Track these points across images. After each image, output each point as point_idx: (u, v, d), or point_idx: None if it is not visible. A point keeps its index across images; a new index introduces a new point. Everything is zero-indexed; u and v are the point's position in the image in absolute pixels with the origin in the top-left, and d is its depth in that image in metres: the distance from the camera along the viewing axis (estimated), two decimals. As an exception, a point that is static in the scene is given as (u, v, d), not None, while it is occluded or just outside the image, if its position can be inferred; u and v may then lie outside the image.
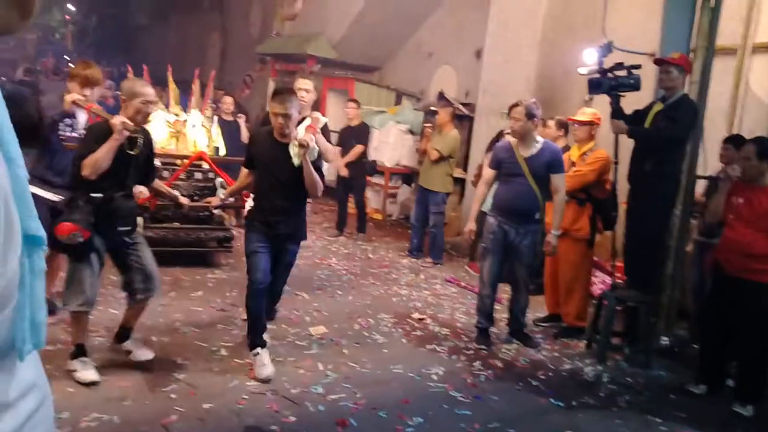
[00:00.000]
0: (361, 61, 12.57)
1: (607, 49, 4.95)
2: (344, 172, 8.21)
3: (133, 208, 3.86)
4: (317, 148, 4.20)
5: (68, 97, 4.24)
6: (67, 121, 4.34)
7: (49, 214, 3.88)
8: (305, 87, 5.23)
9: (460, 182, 8.87)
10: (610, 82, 4.81)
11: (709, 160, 5.78)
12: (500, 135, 7.03)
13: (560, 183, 4.77)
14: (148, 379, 3.70)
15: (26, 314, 0.83)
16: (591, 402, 4.10)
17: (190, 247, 6.16)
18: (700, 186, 5.46)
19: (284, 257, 4.24)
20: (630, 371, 4.68)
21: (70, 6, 26.86)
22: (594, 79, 4.93)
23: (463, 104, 9.69)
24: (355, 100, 8.70)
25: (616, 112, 4.87)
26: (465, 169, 8.91)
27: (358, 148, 8.23)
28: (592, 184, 5.24)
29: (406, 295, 6.08)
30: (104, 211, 3.60)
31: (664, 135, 4.67)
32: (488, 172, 5.08)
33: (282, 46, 13.37)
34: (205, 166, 6.18)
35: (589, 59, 5.54)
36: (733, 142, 5.05)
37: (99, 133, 3.63)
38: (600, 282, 6.09)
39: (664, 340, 5.18)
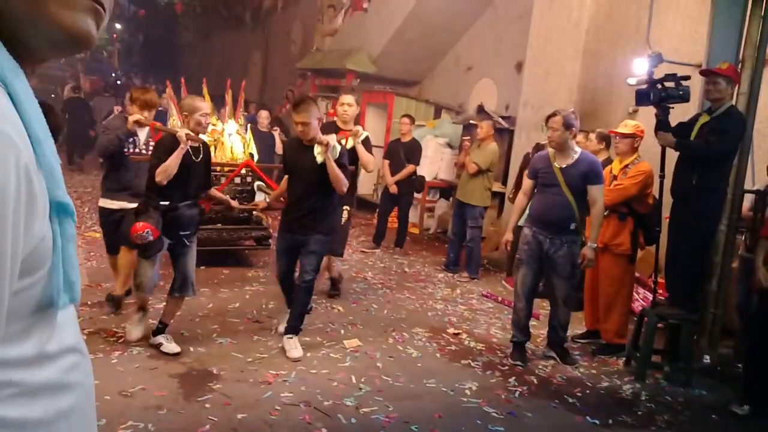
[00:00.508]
0: (401, 76, 12.61)
1: (658, 59, 4.84)
2: (394, 190, 8.15)
3: (194, 215, 4.37)
4: (338, 146, 4.58)
5: (131, 119, 4.75)
6: (131, 139, 4.90)
7: (116, 223, 4.87)
8: (348, 102, 5.66)
9: (498, 196, 8.80)
10: (660, 93, 4.70)
11: (758, 174, 5.62)
12: (536, 148, 6.96)
13: (597, 194, 4.68)
14: (184, 389, 3.75)
15: (60, 272, 0.93)
16: (628, 420, 3.99)
17: (231, 245, 6.87)
18: (748, 200, 5.29)
19: (310, 246, 4.53)
20: (670, 390, 4.55)
21: (117, 25, 27.67)
22: (642, 90, 4.81)
23: (503, 117, 9.64)
24: (409, 116, 8.58)
25: (663, 125, 4.75)
26: (504, 183, 8.84)
27: (410, 168, 8.15)
28: (634, 197, 5.13)
29: (442, 310, 6.04)
30: (169, 218, 4.19)
31: (715, 148, 4.52)
32: (527, 183, 5.06)
33: (322, 61, 13.52)
34: (244, 171, 6.65)
35: (638, 69, 5.42)
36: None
37: (168, 145, 4.17)
38: (641, 299, 5.94)
39: (707, 359, 5.02)
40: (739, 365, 4.84)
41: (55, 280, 0.93)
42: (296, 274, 4.74)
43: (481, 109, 10.17)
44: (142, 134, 5.00)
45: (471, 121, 9.94)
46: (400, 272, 7.40)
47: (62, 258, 0.94)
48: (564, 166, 4.73)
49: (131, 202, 4.72)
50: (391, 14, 11.78)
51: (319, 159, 4.44)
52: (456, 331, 5.38)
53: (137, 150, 4.94)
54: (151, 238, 4.05)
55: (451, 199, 10.07)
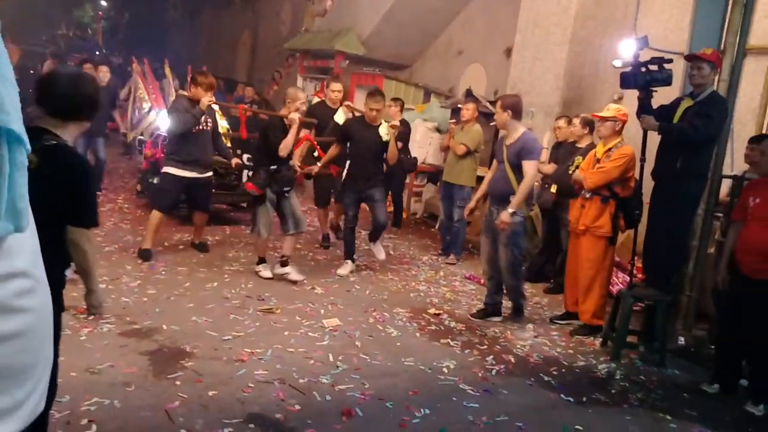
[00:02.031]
0: (391, 59, 12.52)
1: (644, 42, 4.83)
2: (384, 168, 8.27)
3: (291, 175, 5.82)
4: (400, 127, 6.39)
5: (204, 100, 5.91)
6: (206, 117, 6.08)
7: (185, 188, 6.16)
8: (338, 89, 7.40)
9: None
10: (645, 77, 4.70)
11: (737, 161, 5.64)
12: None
13: (527, 168, 5.08)
14: (154, 366, 3.72)
15: (3, 196, 0.92)
16: (602, 399, 4.04)
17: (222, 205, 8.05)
18: (726, 186, 5.32)
19: (375, 197, 6.17)
20: (644, 369, 4.61)
21: (103, 2, 27.24)
22: (627, 74, 4.81)
23: (492, 102, 9.59)
24: (398, 99, 8.67)
25: (645, 108, 4.75)
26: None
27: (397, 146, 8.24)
28: (616, 181, 5.14)
29: (424, 291, 6.06)
30: (276, 178, 5.64)
31: (703, 132, 4.52)
32: (493, 162, 5.61)
33: (310, 42, 13.39)
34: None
35: (625, 52, 5.40)
36: (758, 142, 4.90)
37: (280, 125, 5.66)
38: (621, 282, 5.98)
39: (681, 341, 5.09)
40: (712, 347, 4.90)
41: None
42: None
43: (469, 94, 10.13)
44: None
45: (459, 105, 9.92)
46: (385, 254, 7.37)
47: (9, 184, 0.93)
48: (508, 144, 5.24)
49: (201, 173, 6.13)
50: (382, -5, 11.68)
51: (386, 138, 6.07)
52: (437, 312, 5.40)
53: (200, 127, 6.03)
54: (255, 194, 5.63)
55: (438, 183, 10.06)
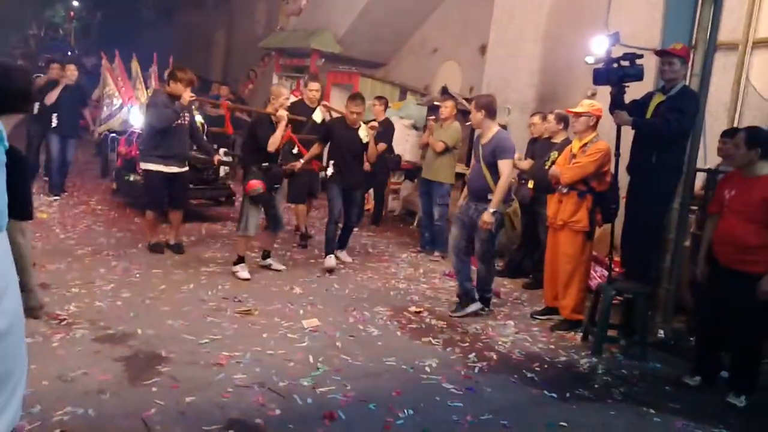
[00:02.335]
0: (366, 57, 12.49)
1: (616, 38, 4.84)
2: (367, 167, 8.23)
3: (281, 172, 6.05)
4: (380, 129, 6.84)
5: (186, 96, 6.01)
6: (184, 113, 6.14)
7: (165, 183, 6.20)
8: (315, 88, 7.52)
9: (462, 177, 8.79)
10: (617, 73, 4.70)
11: (710, 155, 5.70)
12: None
13: (503, 167, 5.20)
14: (129, 372, 3.63)
15: None
16: (585, 394, 4.03)
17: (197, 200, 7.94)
18: (700, 179, 5.37)
19: (356, 198, 6.62)
20: (625, 363, 4.62)
21: (74, 2, 26.78)
22: (599, 70, 4.80)
23: (467, 99, 9.59)
24: (382, 97, 8.75)
25: (618, 104, 4.76)
26: (468, 164, 8.82)
27: (381, 146, 8.21)
28: (593, 175, 5.15)
29: (404, 289, 6.03)
30: (267, 175, 5.81)
31: (675, 127, 4.53)
32: (473, 159, 5.75)
33: (286, 41, 13.31)
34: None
35: (597, 48, 5.41)
36: (730, 135, 4.95)
37: (268, 121, 5.82)
38: (599, 276, 5.99)
39: (661, 334, 5.11)
40: (692, 339, 4.93)
41: None
42: None
43: (444, 91, 10.13)
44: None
45: (435, 103, 9.92)
46: (364, 253, 7.37)
47: None
48: (483, 143, 5.36)
49: (180, 168, 6.25)
50: (357, -7, 11.64)
51: (365, 139, 6.35)
52: (417, 310, 5.37)
53: (179, 122, 6.10)
54: (261, 191, 5.71)
55: (416, 180, 10.05)
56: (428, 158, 7.59)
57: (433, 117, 8.05)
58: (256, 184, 5.69)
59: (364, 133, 6.31)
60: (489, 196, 5.21)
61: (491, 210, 5.13)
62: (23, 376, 1.06)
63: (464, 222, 5.45)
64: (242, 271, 5.75)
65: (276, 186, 5.97)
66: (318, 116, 7.08)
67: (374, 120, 7.03)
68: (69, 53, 19.14)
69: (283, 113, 5.75)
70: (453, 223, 5.61)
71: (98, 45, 23.86)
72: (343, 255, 6.82)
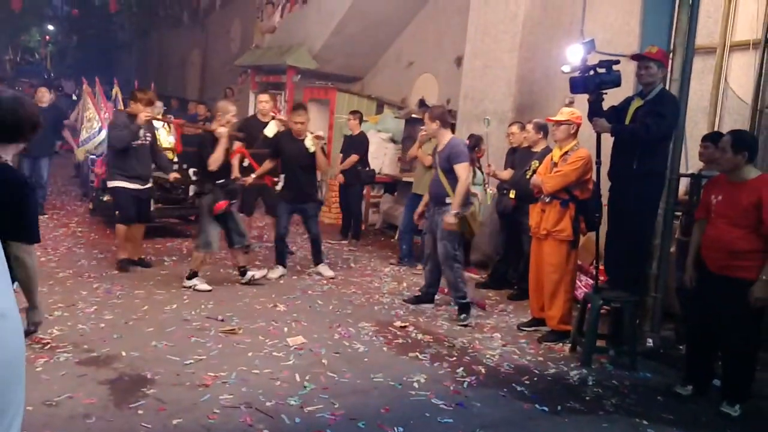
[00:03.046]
0: (342, 72, 12.48)
1: (591, 46, 4.84)
2: (340, 179, 8.76)
3: (237, 188, 6.13)
4: (325, 140, 6.73)
5: (141, 115, 6.12)
6: (141, 132, 6.22)
7: (132, 198, 6.27)
8: (265, 99, 7.55)
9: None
10: (594, 80, 4.70)
11: (691, 159, 5.73)
12: (471, 139, 7.04)
13: (459, 171, 5.49)
14: (115, 396, 3.55)
15: None
16: (577, 406, 3.97)
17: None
18: (683, 184, 5.38)
19: (309, 211, 6.64)
20: (616, 374, 4.58)
21: (49, 26, 26.63)
22: (576, 78, 4.80)
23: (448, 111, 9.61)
24: (357, 112, 9.04)
25: (597, 111, 4.76)
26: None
27: (353, 158, 8.58)
28: (575, 184, 5.15)
29: (388, 303, 5.96)
30: (225, 191, 5.84)
31: (655, 131, 4.51)
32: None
33: (261, 58, 13.27)
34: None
35: (573, 57, 5.44)
36: (712, 139, 4.98)
37: (210, 139, 5.76)
38: (584, 285, 5.99)
39: (650, 342, 5.08)
40: (681, 347, 4.91)
41: None
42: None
43: (422, 104, 10.15)
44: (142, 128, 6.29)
45: (413, 115, 9.92)
46: (346, 267, 7.31)
47: None
48: (438, 150, 5.74)
49: (143, 185, 6.35)
50: (331, 9, 11.62)
51: (312, 149, 6.36)
52: (403, 324, 5.31)
53: (139, 141, 6.22)
54: (232, 209, 5.92)
55: (395, 193, 10.02)
56: (418, 172, 7.64)
57: (424, 129, 8.03)
58: (223, 204, 5.76)
59: (309, 143, 6.37)
60: (447, 200, 5.53)
61: (453, 212, 5.41)
62: (20, 410, 1.00)
63: (432, 229, 5.75)
64: (201, 284, 5.81)
65: (233, 201, 6.04)
66: (271, 130, 7.07)
67: (321, 132, 6.96)
68: (46, 77, 19.01)
69: (222, 130, 5.70)
70: (425, 234, 6.03)
71: (74, 68, 23.78)
72: (324, 269, 6.81)
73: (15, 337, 0.99)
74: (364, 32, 11.56)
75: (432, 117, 5.68)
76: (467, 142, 6.83)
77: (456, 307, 5.67)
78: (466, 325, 5.42)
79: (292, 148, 6.42)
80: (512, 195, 6.50)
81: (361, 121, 8.91)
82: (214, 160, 5.65)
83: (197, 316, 5.04)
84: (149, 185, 6.54)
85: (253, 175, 6.54)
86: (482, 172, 7.08)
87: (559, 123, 5.28)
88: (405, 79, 11.66)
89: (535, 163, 5.95)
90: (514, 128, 6.81)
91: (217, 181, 5.80)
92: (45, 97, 8.69)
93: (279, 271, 6.56)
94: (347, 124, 9.05)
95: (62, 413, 3.29)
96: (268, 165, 6.52)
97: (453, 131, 8.73)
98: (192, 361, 4.12)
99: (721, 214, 4.00)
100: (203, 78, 18.84)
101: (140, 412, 3.38)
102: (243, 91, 14.52)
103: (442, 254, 5.60)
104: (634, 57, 4.86)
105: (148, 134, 6.36)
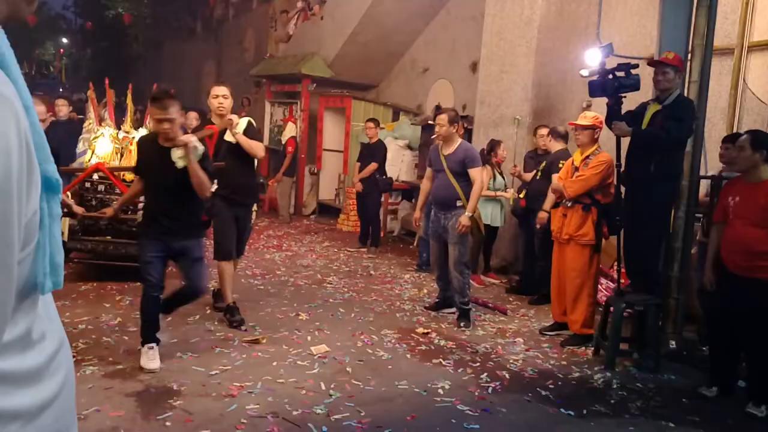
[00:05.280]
0: (357, 80, 12.54)
1: (609, 49, 4.85)
2: (358, 188, 8.76)
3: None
4: (202, 147, 4.12)
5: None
6: None
7: None
8: (222, 93, 5.25)
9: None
10: (613, 83, 4.70)
11: (710, 162, 5.70)
12: (490, 144, 7.07)
13: (475, 174, 5.49)
14: (142, 408, 3.57)
15: (47, 252, 0.89)
16: (602, 410, 3.97)
17: (121, 261, 6.14)
18: (703, 187, 5.35)
19: (188, 252, 4.20)
20: (640, 377, 4.57)
21: (63, 39, 26.95)
22: (595, 82, 4.81)
23: (461, 117, 9.62)
24: (374, 120, 9.09)
25: (616, 115, 4.76)
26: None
27: (371, 166, 8.64)
28: (596, 188, 5.14)
29: (410, 310, 5.98)
30: None
31: (675, 135, 4.53)
32: (428, 170, 5.91)
33: (276, 67, 13.35)
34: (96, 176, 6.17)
35: (591, 61, 5.45)
36: (732, 141, 4.96)
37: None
38: (604, 289, 5.97)
39: (673, 344, 5.05)
40: (704, 348, 4.89)
41: (40, 262, 0.88)
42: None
43: (438, 110, 10.15)
44: None
45: (429, 122, 9.94)
46: (366, 275, 7.32)
47: (48, 238, 0.90)
48: (447, 153, 5.57)
49: None
50: (345, 18, 11.69)
51: (180, 164, 3.99)
52: (425, 331, 5.32)
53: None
54: None
55: (413, 200, 10.04)
56: None
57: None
58: None
59: (178, 154, 4.00)
60: (458, 203, 5.50)
61: (468, 213, 5.41)
62: None
63: (440, 235, 5.67)
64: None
65: None
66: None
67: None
68: (60, 90, 19.21)
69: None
70: (432, 240, 5.89)
71: (89, 81, 23.97)
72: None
73: (69, 362, 1.04)
74: (378, 40, 11.61)
75: (451, 120, 5.59)
76: (484, 147, 6.87)
77: (457, 313, 5.68)
78: (465, 328, 5.48)
79: (153, 160, 4.14)
80: (522, 195, 6.56)
81: (377, 128, 8.96)
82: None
83: (220, 327, 5.08)
84: None
85: (115, 205, 4.63)
86: (503, 177, 7.11)
87: (584, 127, 5.27)
88: (420, 85, 11.69)
89: (542, 165, 6.01)
90: (543, 131, 6.81)
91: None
92: (62, 110, 8.72)
93: (152, 355, 4.15)
94: (365, 132, 9.09)
95: (90, 427, 3.30)
96: (135, 187, 4.45)
97: (470, 137, 8.84)
98: (217, 371, 4.14)
99: (739, 215, 3.99)
100: (218, 89, 18.95)
101: (168, 423, 3.40)
102: (258, 100, 14.61)
103: (456, 258, 5.54)
104: (651, 63, 4.87)
105: None
